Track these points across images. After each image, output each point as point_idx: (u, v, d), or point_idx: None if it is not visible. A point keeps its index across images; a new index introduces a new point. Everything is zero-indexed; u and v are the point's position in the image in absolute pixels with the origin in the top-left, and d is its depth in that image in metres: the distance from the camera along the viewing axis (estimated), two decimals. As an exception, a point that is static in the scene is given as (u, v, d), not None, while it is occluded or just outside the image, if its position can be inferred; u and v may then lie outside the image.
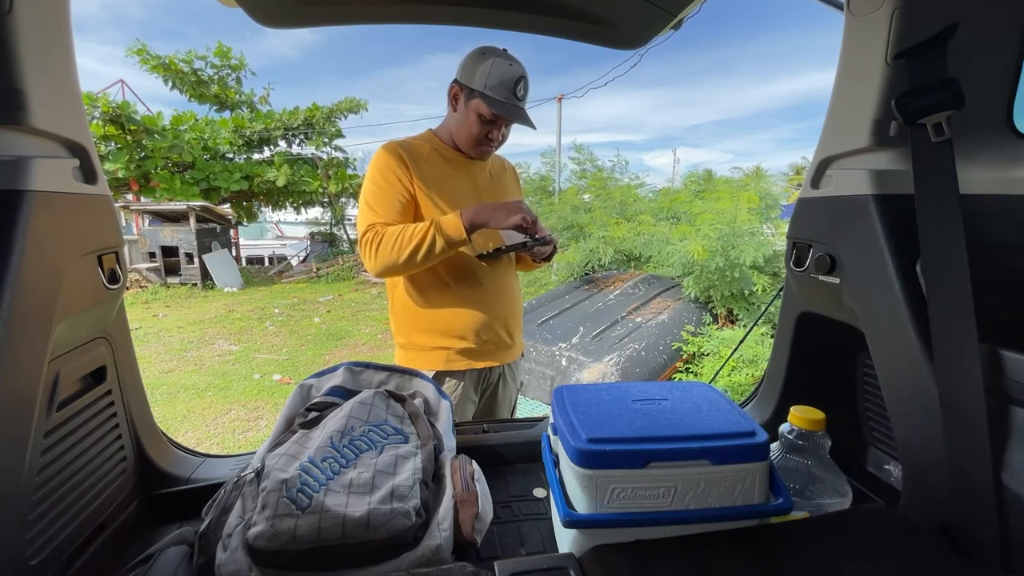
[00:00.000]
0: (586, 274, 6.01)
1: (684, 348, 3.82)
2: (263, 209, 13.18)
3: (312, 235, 13.22)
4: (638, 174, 8.36)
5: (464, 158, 1.30)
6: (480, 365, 1.30)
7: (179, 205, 9.13)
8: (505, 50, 1.20)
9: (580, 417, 0.63)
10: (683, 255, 4.44)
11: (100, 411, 0.73)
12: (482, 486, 0.71)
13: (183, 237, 9.06)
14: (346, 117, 12.20)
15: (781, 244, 4.68)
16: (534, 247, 1.23)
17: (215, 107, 11.77)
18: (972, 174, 0.67)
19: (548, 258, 1.36)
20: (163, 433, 0.90)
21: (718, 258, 4.18)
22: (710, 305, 4.49)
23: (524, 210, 1.13)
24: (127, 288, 1.24)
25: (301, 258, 13.36)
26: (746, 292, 4.31)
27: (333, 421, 0.73)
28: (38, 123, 0.59)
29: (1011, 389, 0.59)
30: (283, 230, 20.70)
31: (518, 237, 1.23)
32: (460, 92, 1.22)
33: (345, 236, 12.75)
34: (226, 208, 11.08)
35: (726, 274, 4.23)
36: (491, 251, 1.26)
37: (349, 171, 12.18)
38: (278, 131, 11.56)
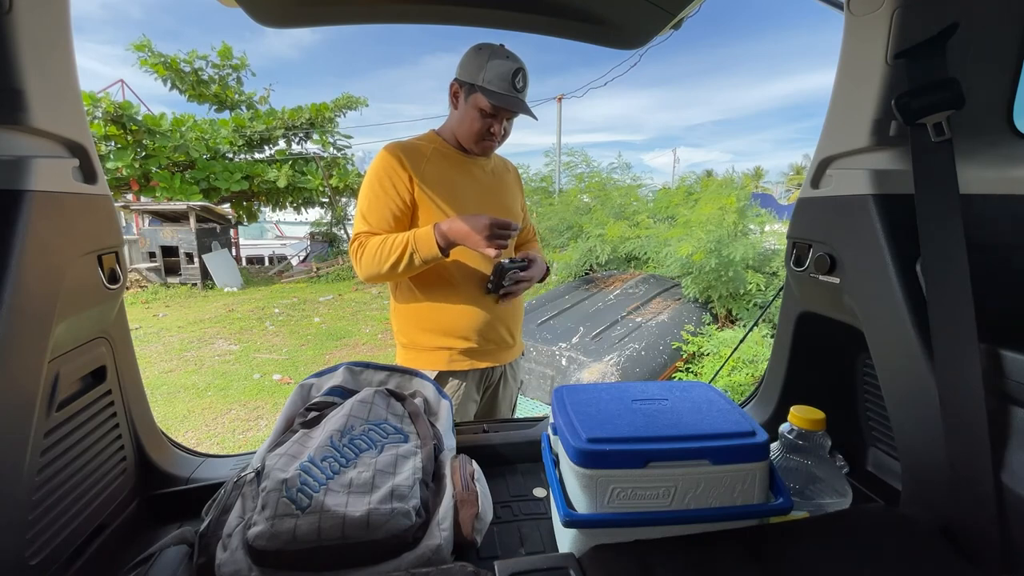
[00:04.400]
0: (586, 273, 6.01)
1: (684, 348, 3.82)
2: (263, 209, 13.18)
3: (312, 235, 13.21)
4: (638, 175, 8.32)
5: (466, 157, 1.31)
6: (482, 365, 1.31)
7: (179, 205, 9.12)
8: (502, 45, 1.21)
9: (580, 417, 0.63)
10: (677, 258, 4.46)
11: (100, 411, 0.73)
12: (482, 486, 0.71)
13: (183, 237, 9.06)
14: (345, 115, 12.20)
15: (768, 243, 4.70)
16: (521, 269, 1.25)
17: (214, 107, 11.77)
18: (972, 174, 0.67)
19: (542, 279, 1.36)
20: (163, 433, 0.90)
21: (712, 259, 4.20)
22: (709, 305, 4.49)
23: (498, 239, 1.11)
24: (127, 288, 1.24)
25: (301, 258, 13.36)
26: (742, 291, 4.32)
27: (333, 420, 0.73)
28: (38, 123, 0.59)
29: (1011, 389, 0.59)
30: (283, 230, 20.69)
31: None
32: (460, 89, 1.23)
33: (345, 236, 12.74)
34: (226, 208, 11.08)
35: (721, 274, 4.24)
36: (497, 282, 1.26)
37: (349, 167, 12.20)
38: (279, 131, 11.56)
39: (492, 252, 1.11)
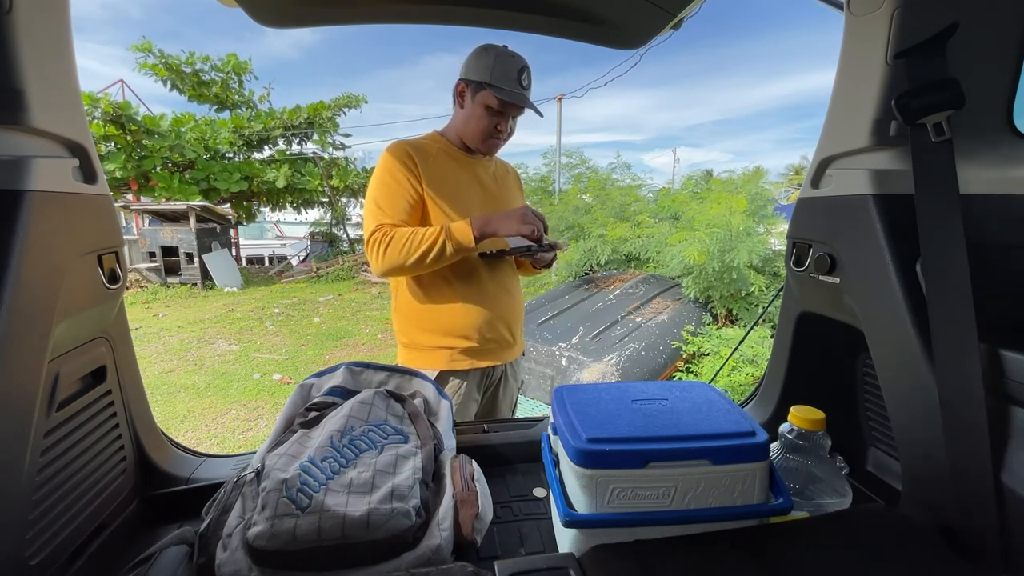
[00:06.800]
0: (586, 274, 6.01)
1: (684, 348, 3.82)
2: (263, 209, 13.19)
3: (312, 235, 13.22)
4: (639, 175, 8.31)
5: (469, 158, 1.32)
6: (483, 364, 1.31)
7: (179, 205, 9.13)
8: (505, 46, 1.23)
9: (580, 417, 0.63)
10: (680, 259, 4.45)
11: (100, 411, 0.73)
12: (482, 486, 0.71)
13: (183, 237, 9.06)
14: (345, 113, 12.23)
15: (777, 243, 4.69)
16: (538, 253, 1.24)
17: (215, 107, 11.78)
18: (972, 174, 0.67)
19: (548, 264, 1.38)
20: (163, 433, 0.90)
21: (714, 262, 4.19)
22: (710, 305, 4.49)
23: (533, 220, 1.16)
24: (127, 288, 1.24)
25: (301, 258, 13.36)
26: (744, 292, 4.31)
27: (333, 421, 0.73)
28: (38, 123, 0.59)
29: (1011, 389, 0.59)
30: (283, 230, 20.70)
31: (523, 241, 1.24)
32: (466, 88, 1.24)
33: (345, 236, 12.74)
34: (226, 208, 11.08)
35: (723, 276, 4.24)
36: (494, 252, 1.27)
37: (349, 167, 12.22)
38: (278, 130, 11.56)
39: (526, 232, 1.17)
